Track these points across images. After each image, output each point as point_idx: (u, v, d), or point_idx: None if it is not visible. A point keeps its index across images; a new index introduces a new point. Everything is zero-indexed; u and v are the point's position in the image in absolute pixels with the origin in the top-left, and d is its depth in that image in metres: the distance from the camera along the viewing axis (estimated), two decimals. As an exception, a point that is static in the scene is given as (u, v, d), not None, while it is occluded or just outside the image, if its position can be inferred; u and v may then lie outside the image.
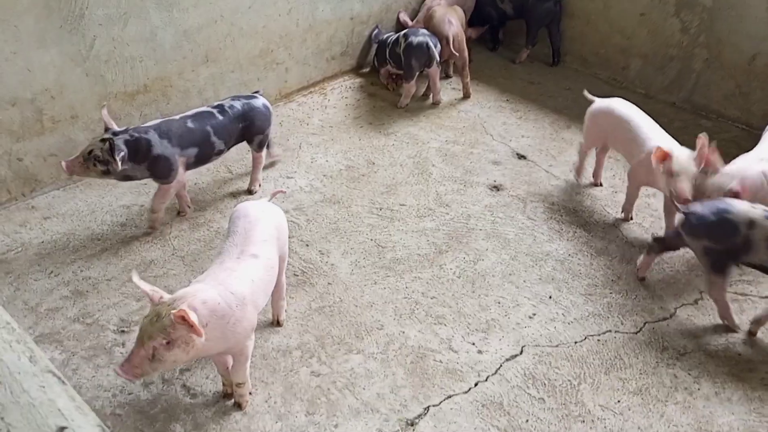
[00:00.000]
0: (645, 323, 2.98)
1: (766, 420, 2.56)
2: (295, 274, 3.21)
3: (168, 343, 2.09)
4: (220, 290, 2.27)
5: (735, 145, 4.10)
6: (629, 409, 2.59)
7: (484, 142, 4.31)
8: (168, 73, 3.99)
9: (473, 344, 2.86)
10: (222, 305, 2.24)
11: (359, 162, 4.08)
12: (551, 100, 4.82)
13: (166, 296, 2.18)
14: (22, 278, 3.18)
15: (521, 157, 4.18)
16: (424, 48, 4.40)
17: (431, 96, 4.71)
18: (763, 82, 4.31)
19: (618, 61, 5.00)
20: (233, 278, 2.34)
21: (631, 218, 3.59)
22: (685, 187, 2.96)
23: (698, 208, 2.84)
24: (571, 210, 3.70)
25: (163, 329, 2.07)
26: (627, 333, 2.93)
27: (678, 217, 2.93)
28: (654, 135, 3.29)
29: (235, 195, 3.78)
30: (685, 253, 3.27)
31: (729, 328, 2.94)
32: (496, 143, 4.31)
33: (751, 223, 2.70)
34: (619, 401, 2.61)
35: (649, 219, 3.63)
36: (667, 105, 4.73)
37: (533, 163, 4.12)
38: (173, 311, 2.06)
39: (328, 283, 3.18)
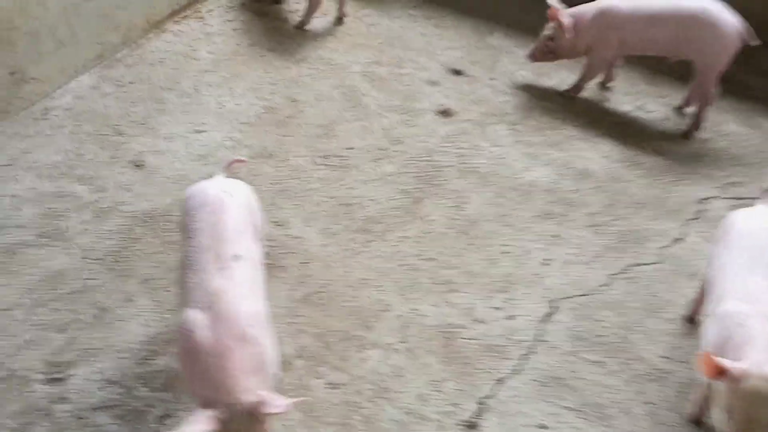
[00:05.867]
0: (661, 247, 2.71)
1: None
2: (257, 259, 2.56)
3: None
4: None
5: None
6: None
7: (411, 60, 3.74)
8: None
9: (498, 309, 2.45)
10: None
11: (277, 101, 3.36)
12: (465, 1, 4.31)
13: None
14: None
15: (457, 72, 3.68)
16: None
17: (339, 9, 3.96)
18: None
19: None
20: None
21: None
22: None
23: None
24: (534, 128, 3.31)
25: None
26: (650, 264, 2.65)
27: None
28: None
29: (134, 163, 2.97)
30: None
31: None
32: (424, 59, 3.75)
33: None
34: (680, 347, 2.35)
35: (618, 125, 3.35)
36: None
37: (473, 78, 3.64)
38: None
39: (302, 263, 2.58)
